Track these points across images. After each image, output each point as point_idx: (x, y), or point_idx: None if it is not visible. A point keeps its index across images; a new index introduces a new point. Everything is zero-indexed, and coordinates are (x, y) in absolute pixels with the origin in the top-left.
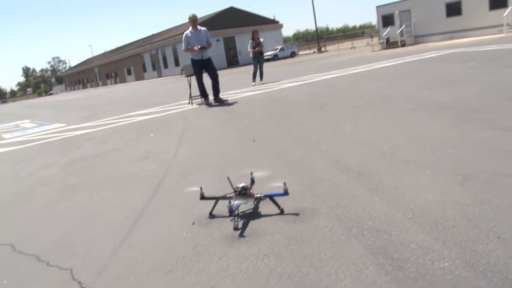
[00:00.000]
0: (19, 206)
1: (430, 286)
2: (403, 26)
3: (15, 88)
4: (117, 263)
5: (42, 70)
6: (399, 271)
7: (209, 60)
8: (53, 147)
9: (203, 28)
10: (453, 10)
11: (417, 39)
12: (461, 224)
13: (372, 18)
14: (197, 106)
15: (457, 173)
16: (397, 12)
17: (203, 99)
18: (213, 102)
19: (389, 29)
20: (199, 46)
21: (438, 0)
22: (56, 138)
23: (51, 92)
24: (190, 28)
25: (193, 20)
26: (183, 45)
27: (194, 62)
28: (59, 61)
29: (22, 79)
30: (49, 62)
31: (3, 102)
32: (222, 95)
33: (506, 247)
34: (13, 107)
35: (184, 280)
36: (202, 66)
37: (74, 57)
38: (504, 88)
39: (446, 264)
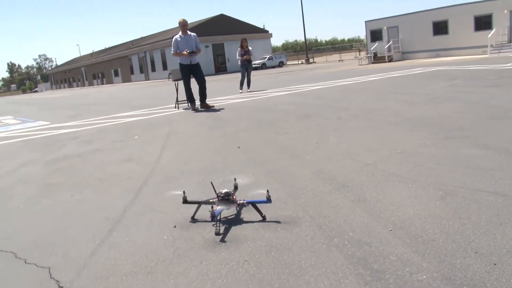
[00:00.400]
0: None
1: None
2: (390, 42)
3: None
4: (97, 263)
5: (27, 67)
6: (378, 282)
7: (197, 65)
8: (36, 145)
9: (192, 34)
10: (440, 28)
11: (404, 55)
12: (440, 238)
13: (360, 32)
14: (183, 110)
15: (438, 188)
16: (385, 27)
17: (189, 104)
18: (199, 107)
19: (377, 44)
20: (188, 51)
21: (425, 18)
22: (39, 136)
23: (36, 89)
24: (180, 33)
25: (183, 25)
26: (172, 49)
27: (182, 66)
28: (46, 59)
29: (6, 74)
30: (35, 59)
31: None
32: (209, 101)
33: (483, 262)
34: None
35: (163, 283)
36: (190, 71)
37: (61, 56)
38: (487, 107)
39: (425, 276)
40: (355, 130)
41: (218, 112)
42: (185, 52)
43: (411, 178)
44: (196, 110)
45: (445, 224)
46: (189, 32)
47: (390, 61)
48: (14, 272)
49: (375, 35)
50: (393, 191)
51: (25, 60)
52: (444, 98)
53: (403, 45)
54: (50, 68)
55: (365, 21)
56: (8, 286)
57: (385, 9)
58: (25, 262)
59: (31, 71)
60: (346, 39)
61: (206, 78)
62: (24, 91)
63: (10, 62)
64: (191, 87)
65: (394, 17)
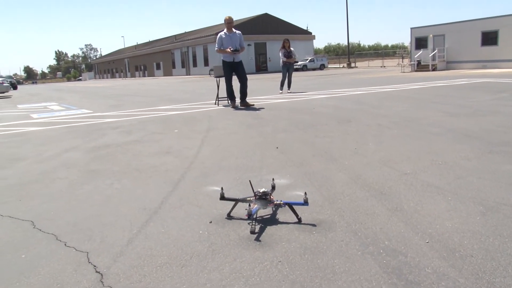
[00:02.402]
0: (42, 185)
1: None
2: (435, 50)
3: (46, 71)
4: (133, 252)
5: (73, 56)
6: None
7: (240, 63)
8: (79, 132)
9: (237, 31)
10: (489, 39)
11: (449, 65)
12: (479, 255)
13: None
14: (223, 107)
15: (479, 203)
16: (431, 35)
17: (229, 101)
18: (239, 105)
19: (421, 51)
20: (232, 49)
21: (474, 28)
22: (82, 123)
23: (80, 78)
24: (225, 30)
25: (229, 22)
26: (216, 45)
27: (225, 64)
28: (91, 49)
29: (53, 62)
30: (81, 49)
31: (33, 83)
32: (249, 100)
33: None
34: (42, 89)
35: (197, 277)
36: (232, 69)
37: (106, 46)
38: None
39: None
40: (395, 138)
41: (257, 111)
42: (229, 50)
43: (450, 190)
44: (236, 107)
45: (484, 241)
46: (234, 30)
47: (434, 70)
48: (55, 254)
49: (420, 43)
50: (432, 202)
51: (72, 48)
52: (488, 111)
53: (449, 54)
54: (94, 58)
55: (411, 28)
56: (49, 267)
57: (431, 16)
58: (65, 245)
59: (77, 60)
60: (389, 45)
61: (247, 76)
62: (68, 79)
63: (58, 50)
64: (232, 84)
65: (441, 25)
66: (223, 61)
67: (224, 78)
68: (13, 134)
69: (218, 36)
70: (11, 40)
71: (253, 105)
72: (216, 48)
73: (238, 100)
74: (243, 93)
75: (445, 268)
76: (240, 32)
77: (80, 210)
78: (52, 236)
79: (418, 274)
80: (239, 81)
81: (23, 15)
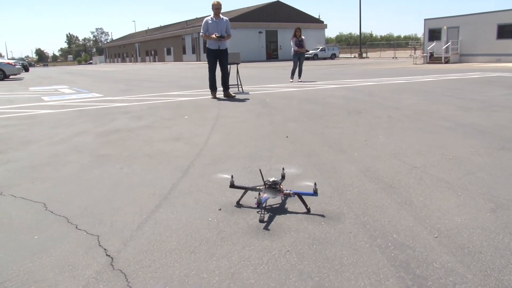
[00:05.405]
0: (53, 168)
1: None
2: (449, 43)
3: (57, 54)
4: (142, 237)
5: (84, 39)
6: None
7: (225, 51)
8: (89, 116)
9: (225, 18)
10: (505, 32)
11: (462, 58)
12: (488, 252)
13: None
14: (232, 94)
15: (489, 199)
16: (445, 27)
17: (211, 91)
18: (223, 96)
19: (434, 43)
20: (217, 35)
21: (490, 20)
22: (92, 107)
23: (91, 61)
24: (212, 15)
25: (217, 7)
26: (202, 31)
27: (209, 51)
28: (102, 33)
29: (65, 45)
30: (92, 32)
31: (44, 66)
32: (259, 87)
33: None
34: (53, 72)
35: (206, 263)
36: (217, 57)
37: (117, 31)
38: None
39: None
40: (405, 130)
41: (267, 100)
42: (214, 36)
43: (460, 186)
44: (217, 99)
45: (494, 238)
46: (221, 16)
47: (446, 62)
48: (66, 236)
49: (434, 34)
50: (441, 197)
51: (83, 32)
52: (502, 106)
53: (462, 47)
54: (105, 42)
55: (425, 19)
56: (61, 249)
57: (445, 8)
58: (76, 227)
59: (88, 44)
60: (402, 36)
61: (256, 64)
62: (79, 62)
63: (69, 33)
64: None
65: (455, 16)
66: (208, 49)
67: (230, 65)
68: (24, 117)
69: (204, 21)
70: (23, 22)
71: (235, 96)
72: (201, 33)
73: (220, 91)
74: (225, 84)
75: (453, 263)
76: (227, 18)
77: (90, 194)
78: (64, 218)
79: (426, 269)
80: (221, 70)
81: None
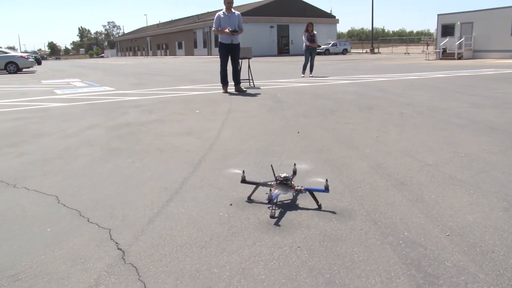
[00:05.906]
0: (65, 161)
1: None
2: (462, 38)
3: (69, 47)
4: (153, 231)
5: (96, 33)
6: (430, 286)
7: (237, 46)
8: (101, 109)
9: (237, 12)
10: None
11: (476, 54)
12: (501, 251)
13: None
14: (245, 89)
15: (503, 198)
16: (458, 23)
17: (222, 85)
18: (234, 91)
19: (447, 39)
20: (230, 29)
21: (504, 16)
22: (104, 101)
23: (102, 55)
24: (224, 10)
25: (229, 2)
26: (214, 25)
27: (222, 45)
28: (114, 26)
29: (77, 38)
30: (104, 26)
31: (56, 59)
32: (271, 82)
33: None
34: (65, 65)
35: (216, 258)
36: (229, 51)
37: (128, 24)
38: None
39: None
40: (417, 127)
41: (278, 95)
42: (227, 30)
43: (473, 184)
44: (228, 93)
45: (507, 237)
46: (233, 10)
47: (459, 58)
48: (78, 229)
49: (447, 30)
50: (453, 195)
51: (95, 26)
52: None
53: (476, 43)
54: (117, 36)
55: (438, 14)
56: (73, 242)
57: (459, 3)
58: (88, 221)
59: (99, 37)
60: (414, 31)
61: (268, 58)
62: (91, 56)
63: (81, 26)
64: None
65: (469, 12)
66: (220, 43)
67: (242, 60)
68: (37, 110)
69: (216, 16)
70: (36, 16)
71: (246, 91)
72: (213, 28)
73: (232, 85)
74: (236, 78)
75: (465, 262)
76: (239, 13)
77: (102, 187)
78: (76, 211)
79: (437, 267)
80: (232, 64)
81: None
